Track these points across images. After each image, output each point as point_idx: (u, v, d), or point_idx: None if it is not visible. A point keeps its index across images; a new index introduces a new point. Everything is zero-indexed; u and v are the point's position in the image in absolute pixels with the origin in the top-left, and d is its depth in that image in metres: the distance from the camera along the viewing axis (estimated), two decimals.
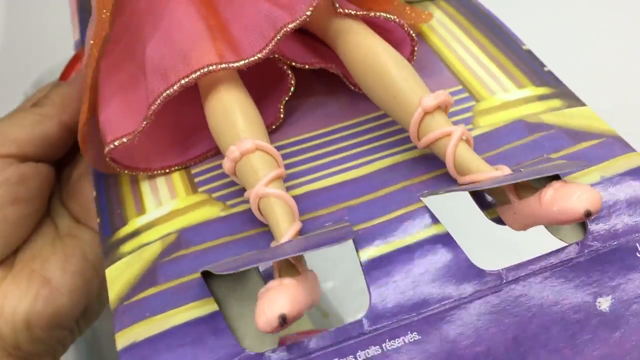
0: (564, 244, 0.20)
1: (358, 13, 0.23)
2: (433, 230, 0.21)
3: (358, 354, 0.18)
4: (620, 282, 0.20)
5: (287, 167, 0.23)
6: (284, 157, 0.24)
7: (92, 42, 0.24)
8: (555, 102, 0.25)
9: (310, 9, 0.22)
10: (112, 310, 0.21)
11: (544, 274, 0.19)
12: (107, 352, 0.39)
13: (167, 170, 0.24)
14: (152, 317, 0.20)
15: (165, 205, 0.23)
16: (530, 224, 0.20)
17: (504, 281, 0.19)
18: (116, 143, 0.23)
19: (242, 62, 0.22)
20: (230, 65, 0.22)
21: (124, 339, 0.20)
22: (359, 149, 0.24)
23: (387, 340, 0.19)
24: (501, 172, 0.20)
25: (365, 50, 0.22)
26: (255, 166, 0.21)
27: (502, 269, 0.20)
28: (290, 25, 0.22)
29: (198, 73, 0.22)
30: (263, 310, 0.17)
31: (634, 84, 0.50)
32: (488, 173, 0.20)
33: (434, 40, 0.28)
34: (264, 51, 0.22)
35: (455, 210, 0.22)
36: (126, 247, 0.22)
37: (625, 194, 0.21)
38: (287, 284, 0.18)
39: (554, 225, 0.21)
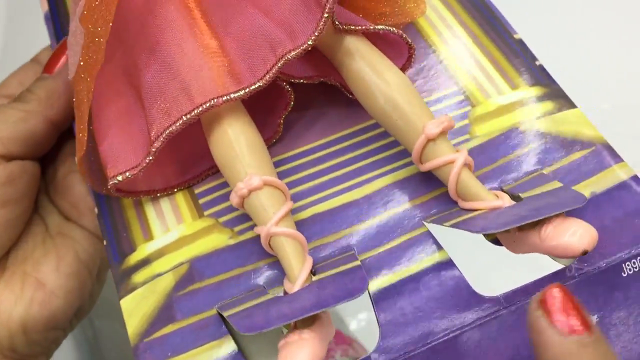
0: (557, 267, 0.22)
1: (358, 28, 0.23)
2: (437, 258, 0.22)
3: None
4: (606, 300, 0.21)
5: (290, 185, 0.24)
6: (286, 172, 0.24)
7: (82, 63, 0.22)
8: (548, 105, 0.25)
9: (313, 38, 0.21)
10: (132, 346, 0.22)
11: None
12: (107, 352, 0.40)
13: (170, 192, 0.25)
14: (173, 357, 0.21)
15: (173, 230, 0.24)
16: (528, 252, 0.21)
17: (502, 307, 0.21)
18: (119, 178, 0.23)
19: (242, 92, 0.22)
20: (232, 96, 0.22)
21: None
22: (360, 164, 0.24)
23: None
24: (502, 202, 0.21)
25: (369, 74, 0.22)
26: (264, 204, 0.21)
27: (500, 295, 0.21)
28: (292, 54, 0.21)
29: (201, 109, 0.21)
30: None
31: (634, 84, 0.50)
32: (490, 202, 0.21)
33: (428, 31, 0.28)
34: (265, 78, 0.22)
35: (457, 236, 0.23)
36: (138, 276, 0.23)
37: (612, 212, 0.22)
38: (307, 337, 0.19)
39: (553, 257, 0.22)
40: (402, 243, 0.22)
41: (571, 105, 0.25)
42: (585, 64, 0.51)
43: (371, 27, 0.23)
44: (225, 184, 0.24)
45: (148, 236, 0.24)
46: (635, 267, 0.21)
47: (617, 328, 0.21)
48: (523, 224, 0.20)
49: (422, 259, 0.22)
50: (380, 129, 0.25)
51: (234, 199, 0.22)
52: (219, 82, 0.22)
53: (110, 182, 0.23)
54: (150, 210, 0.24)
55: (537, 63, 0.26)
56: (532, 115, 0.25)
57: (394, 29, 0.23)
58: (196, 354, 0.21)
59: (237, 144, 0.22)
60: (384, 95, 0.22)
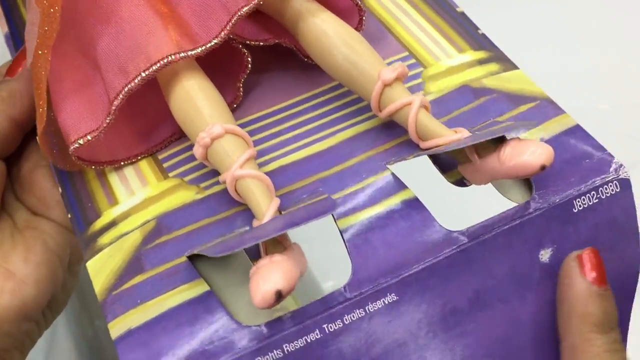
0: (513, 204, 0.22)
1: None
2: (403, 196, 0.22)
3: (345, 318, 0.20)
4: (559, 235, 0.22)
5: (254, 144, 0.24)
6: (249, 134, 0.25)
7: (38, 40, 0.23)
8: (493, 66, 0.27)
9: None
10: (100, 302, 0.21)
11: (495, 232, 0.21)
12: (107, 351, 0.40)
13: (134, 160, 0.25)
14: (144, 302, 0.21)
15: (138, 194, 0.24)
16: (491, 179, 0.22)
17: (468, 241, 0.21)
18: (81, 142, 0.23)
19: (199, 49, 0.22)
20: (189, 53, 0.22)
21: (118, 327, 0.20)
22: (321, 121, 0.25)
23: (369, 303, 0.20)
24: (461, 135, 0.22)
25: (322, 31, 0.23)
26: (227, 150, 0.21)
27: (465, 229, 0.22)
28: (244, 9, 0.22)
29: (158, 65, 0.22)
30: (258, 287, 0.18)
31: (632, 85, 0.51)
32: (449, 136, 0.22)
33: (375, 6, 0.29)
34: (220, 36, 0.23)
35: (421, 176, 0.24)
36: (104, 238, 0.23)
37: (561, 154, 0.23)
38: (278, 260, 0.18)
39: (513, 178, 0.22)
40: (368, 185, 0.23)
41: (514, 66, 0.27)
42: (584, 65, 0.52)
43: None
44: (188, 148, 0.25)
45: (113, 201, 0.24)
46: (585, 204, 0.22)
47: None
48: (479, 142, 0.21)
49: (389, 198, 0.22)
50: (338, 91, 0.26)
51: (197, 151, 0.22)
52: (175, 41, 0.22)
53: (72, 147, 0.23)
54: (114, 178, 0.24)
55: (480, 32, 0.28)
56: (480, 74, 0.26)
57: None
58: (167, 297, 0.21)
59: (197, 98, 0.22)
60: (339, 51, 0.23)
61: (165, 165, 0.24)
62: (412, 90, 0.26)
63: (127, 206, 0.23)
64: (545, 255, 0.22)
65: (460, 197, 0.27)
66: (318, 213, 0.20)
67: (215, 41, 0.23)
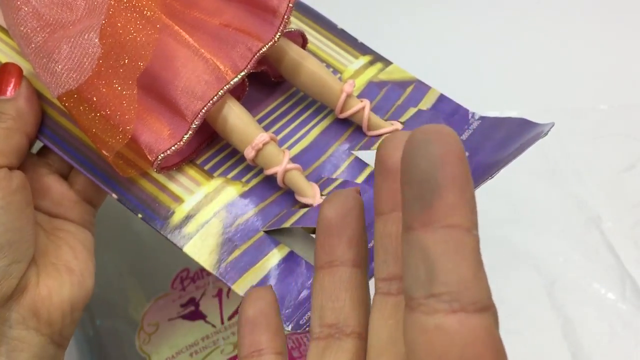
0: None
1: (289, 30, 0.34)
2: (368, 171, 0.33)
3: None
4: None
5: None
6: None
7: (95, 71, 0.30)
8: (379, 65, 0.38)
9: (278, 34, 0.31)
10: (215, 273, 0.29)
11: None
12: (108, 350, 0.41)
13: (179, 165, 0.32)
14: (252, 267, 0.29)
15: (196, 192, 0.31)
16: None
17: None
18: (168, 152, 0.30)
19: (236, 79, 0.31)
20: (233, 82, 0.31)
21: (242, 286, 0.29)
22: (296, 122, 0.35)
23: None
24: (394, 127, 0.34)
25: (303, 65, 0.33)
26: (274, 151, 0.30)
27: None
28: (264, 49, 0.31)
29: (221, 92, 0.30)
30: None
31: (631, 85, 0.53)
32: (389, 127, 0.34)
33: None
34: (246, 70, 0.31)
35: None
36: (189, 228, 0.30)
37: (439, 118, 0.36)
38: None
39: None
40: (346, 168, 0.33)
41: (390, 62, 0.38)
42: (584, 65, 0.53)
43: (292, 29, 0.34)
44: (220, 151, 0.33)
45: (179, 201, 0.31)
46: (465, 137, 0.34)
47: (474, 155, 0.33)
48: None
49: (361, 173, 0.33)
50: (294, 98, 0.36)
51: (250, 153, 0.30)
52: (223, 74, 0.31)
53: (161, 156, 0.30)
54: (168, 183, 0.31)
55: (359, 41, 0.39)
56: (374, 72, 0.38)
57: (296, 29, 0.35)
58: (266, 260, 0.29)
59: (241, 116, 0.31)
60: (317, 77, 0.33)
61: (206, 167, 0.32)
62: None
63: (193, 202, 0.31)
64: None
65: None
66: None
67: (242, 73, 0.31)
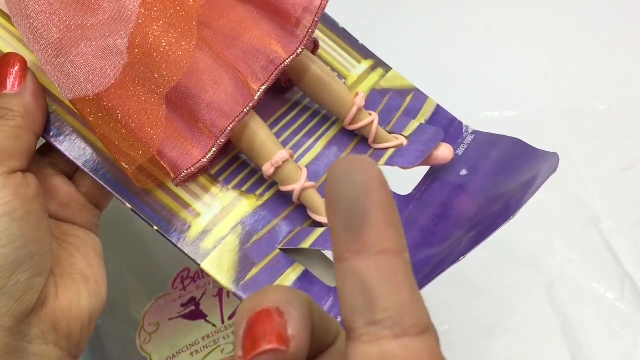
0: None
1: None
2: None
3: None
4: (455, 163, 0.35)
5: None
6: None
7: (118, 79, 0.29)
8: (380, 71, 0.38)
9: (301, 48, 0.31)
10: (232, 291, 0.29)
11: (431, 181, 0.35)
12: (109, 350, 0.41)
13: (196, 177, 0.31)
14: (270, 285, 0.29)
15: (212, 205, 0.31)
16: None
17: (418, 194, 0.34)
18: (192, 169, 0.30)
19: (260, 93, 0.30)
20: (257, 97, 0.30)
21: None
22: (304, 131, 0.34)
23: None
24: (400, 140, 0.34)
25: (318, 75, 0.33)
26: (293, 169, 0.31)
27: (413, 191, 0.34)
28: (287, 62, 0.31)
29: (250, 105, 0.30)
30: None
31: (630, 86, 0.53)
32: (394, 142, 0.34)
33: None
34: (268, 83, 0.31)
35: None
36: (206, 243, 0.30)
37: (435, 127, 0.36)
38: None
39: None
40: None
41: (389, 68, 0.39)
42: (584, 65, 0.53)
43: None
44: (232, 162, 0.32)
45: (195, 214, 0.30)
46: (461, 151, 0.35)
47: (473, 173, 0.34)
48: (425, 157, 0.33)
49: None
50: (301, 105, 0.35)
51: (269, 170, 0.30)
52: (248, 90, 0.30)
53: (185, 172, 0.30)
54: (184, 194, 0.31)
55: (360, 43, 0.39)
56: (376, 79, 0.38)
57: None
58: (282, 279, 0.30)
59: (264, 132, 0.31)
60: (331, 89, 0.33)
61: (220, 179, 0.32)
62: None
63: (210, 216, 0.31)
64: (463, 172, 0.34)
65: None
66: None
67: (265, 86, 0.30)
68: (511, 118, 0.54)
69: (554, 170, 0.31)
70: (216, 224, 0.30)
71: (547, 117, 0.52)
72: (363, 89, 0.37)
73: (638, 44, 0.56)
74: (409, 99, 0.37)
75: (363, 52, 0.38)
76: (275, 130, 0.34)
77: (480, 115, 0.54)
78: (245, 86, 0.30)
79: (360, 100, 0.33)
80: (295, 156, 0.33)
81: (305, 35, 0.31)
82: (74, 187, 0.31)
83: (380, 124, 0.35)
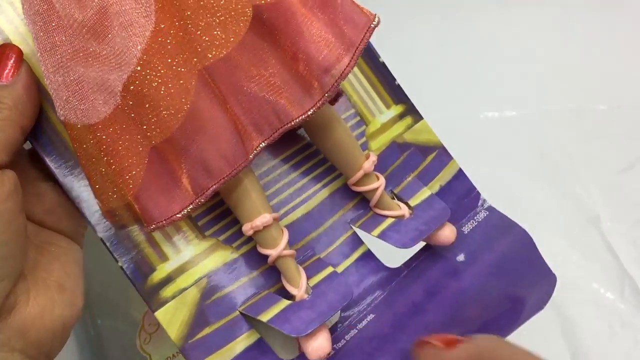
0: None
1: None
2: (363, 249, 0.32)
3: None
4: (458, 244, 0.33)
5: None
6: None
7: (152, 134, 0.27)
8: (408, 120, 0.35)
9: (313, 110, 0.28)
10: (179, 347, 0.28)
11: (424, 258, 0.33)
12: (109, 350, 0.41)
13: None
14: (218, 350, 0.28)
15: (184, 251, 0.29)
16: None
17: (406, 270, 0.32)
18: (164, 222, 0.28)
19: (256, 152, 0.28)
20: (252, 156, 0.28)
21: None
22: (303, 181, 0.32)
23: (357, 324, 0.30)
24: (403, 211, 0.32)
25: (331, 131, 0.31)
26: (273, 235, 0.29)
27: (402, 265, 0.33)
28: (295, 122, 0.28)
29: (237, 170, 0.27)
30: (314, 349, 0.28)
31: (630, 86, 0.53)
32: (396, 212, 0.32)
33: None
34: (268, 140, 0.28)
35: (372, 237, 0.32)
36: (166, 292, 0.28)
37: (452, 196, 0.34)
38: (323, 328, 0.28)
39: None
40: (340, 244, 0.32)
41: (420, 117, 0.35)
42: (583, 66, 0.53)
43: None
44: (214, 207, 0.30)
45: (163, 258, 0.29)
46: (469, 229, 0.33)
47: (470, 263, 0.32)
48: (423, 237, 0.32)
49: (353, 255, 0.32)
50: (307, 151, 0.33)
51: (248, 231, 0.29)
52: (248, 151, 0.28)
53: (154, 226, 0.28)
54: (158, 235, 0.29)
55: (396, 83, 0.35)
56: (401, 129, 0.34)
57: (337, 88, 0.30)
58: (234, 345, 0.28)
59: (252, 190, 0.29)
60: (342, 147, 0.31)
61: (199, 223, 0.30)
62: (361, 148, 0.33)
63: (178, 262, 0.29)
64: (461, 257, 0.33)
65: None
66: (344, 297, 0.29)
67: (262, 145, 0.28)
68: (511, 118, 0.54)
69: (544, 303, 0.33)
70: (182, 273, 0.29)
71: (547, 117, 0.52)
72: (384, 140, 0.34)
73: (638, 43, 0.55)
74: (430, 158, 0.34)
75: (396, 95, 0.35)
76: (273, 175, 0.32)
77: (480, 115, 0.54)
78: (242, 143, 0.28)
79: (368, 166, 0.31)
80: (288, 206, 0.32)
81: (321, 98, 0.28)
82: (61, 191, 0.30)
83: (389, 184, 0.33)
